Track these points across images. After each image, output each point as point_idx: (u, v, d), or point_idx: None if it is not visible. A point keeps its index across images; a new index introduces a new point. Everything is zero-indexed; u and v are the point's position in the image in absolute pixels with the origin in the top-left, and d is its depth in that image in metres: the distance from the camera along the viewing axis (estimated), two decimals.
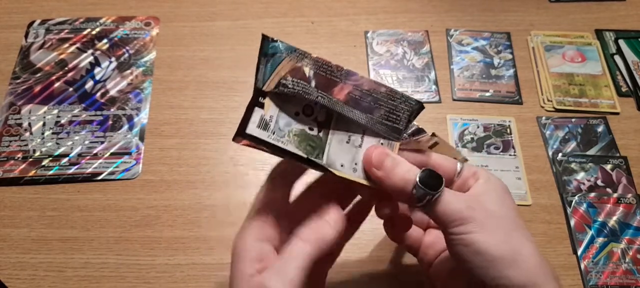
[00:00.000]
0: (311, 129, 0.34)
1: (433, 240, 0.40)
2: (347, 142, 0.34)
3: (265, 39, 0.34)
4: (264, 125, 0.33)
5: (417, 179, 0.32)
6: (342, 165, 0.33)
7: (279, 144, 0.32)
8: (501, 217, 0.33)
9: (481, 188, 0.34)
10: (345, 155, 0.34)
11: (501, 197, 0.34)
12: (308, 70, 0.34)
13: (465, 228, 0.32)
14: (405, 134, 0.35)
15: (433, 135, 0.35)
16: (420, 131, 0.35)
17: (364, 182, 0.34)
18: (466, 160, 0.37)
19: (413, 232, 0.41)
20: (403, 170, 0.33)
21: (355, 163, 0.34)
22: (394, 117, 0.35)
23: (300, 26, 0.63)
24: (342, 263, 0.46)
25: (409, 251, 0.42)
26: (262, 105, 0.34)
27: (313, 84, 0.33)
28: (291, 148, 0.32)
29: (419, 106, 0.35)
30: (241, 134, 0.32)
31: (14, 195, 0.49)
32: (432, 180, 0.32)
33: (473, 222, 0.31)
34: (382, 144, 0.35)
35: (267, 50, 0.34)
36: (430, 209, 0.32)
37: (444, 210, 0.32)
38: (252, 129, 0.32)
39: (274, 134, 0.33)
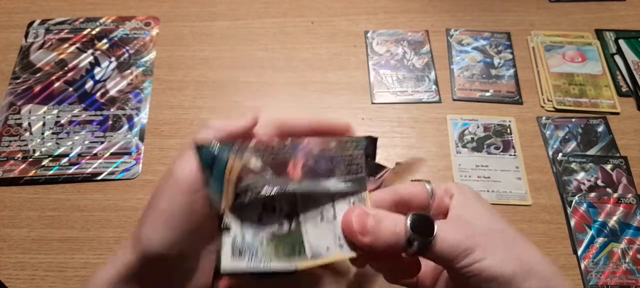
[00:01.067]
0: (281, 227, 0.30)
1: (425, 269, 0.36)
2: (322, 220, 0.31)
3: (198, 149, 0.29)
4: (238, 252, 0.29)
5: (410, 230, 0.29)
6: (327, 248, 0.30)
7: (261, 267, 0.29)
8: (495, 230, 0.31)
9: (460, 204, 0.32)
10: (326, 235, 0.31)
11: (482, 208, 0.32)
12: (255, 163, 0.30)
13: (472, 258, 0.29)
14: (370, 179, 0.33)
15: (396, 163, 0.33)
16: (380, 168, 0.33)
17: (355, 253, 0.31)
18: (428, 181, 0.35)
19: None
20: (390, 225, 0.30)
21: (339, 238, 0.31)
22: (354, 168, 0.32)
23: (300, 26, 0.63)
24: None
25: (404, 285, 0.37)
26: (228, 229, 0.29)
27: (267, 176, 0.30)
28: (273, 264, 0.29)
29: (370, 141, 0.33)
30: (217, 274, 0.28)
31: (14, 195, 0.49)
32: (424, 224, 0.30)
33: (477, 250, 0.29)
34: (353, 203, 0.32)
35: (205, 160, 0.29)
36: (429, 252, 0.30)
37: (444, 249, 0.30)
38: (227, 262, 0.28)
39: (251, 257, 0.29)
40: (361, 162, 0.32)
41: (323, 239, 0.30)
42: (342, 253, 0.30)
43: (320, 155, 0.31)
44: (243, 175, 0.30)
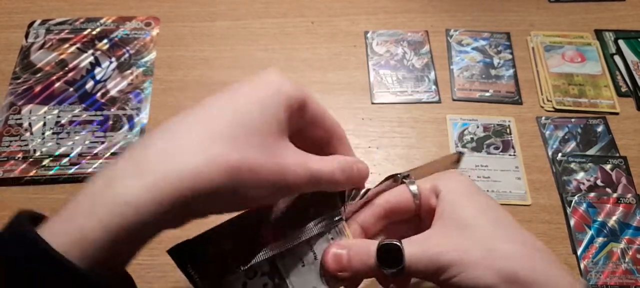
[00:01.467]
0: (265, 285, 0.31)
1: None
2: (303, 266, 0.32)
3: (177, 260, 0.30)
4: None
5: (376, 263, 0.30)
6: None
7: None
8: (477, 236, 0.30)
9: (445, 209, 0.32)
10: (310, 278, 0.32)
11: (469, 204, 0.31)
12: (229, 245, 0.30)
13: (445, 276, 0.29)
14: (348, 204, 0.33)
15: (390, 177, 0.33)
16: (357, 193, 0.33)
17: (340, 285, 0.32)
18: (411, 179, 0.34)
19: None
20: (363, 257, 0.31)
21: (322, 276, 0.32)
22: (325, 201, 0.32)
23: (300, 26, 0.63)
24: None
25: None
26: None
27: (242, 252, 0.30)
28: None
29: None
30: None
31: (15, 195, 0.49)
32: (393, 253, 0.30)
33: (449, 268, 0.29)
34: (332, 238, 0.32)
35: (184, 269, 0.30)
36: (405, 275, 0.31)
37: (416, 271, 0.30)
38: None
39: None
40: (334, 196, 0.32)
41: (308, 283, 0.32)
42: None
43: (291, 206, 0.32)
44: (220, 262, 0.30)
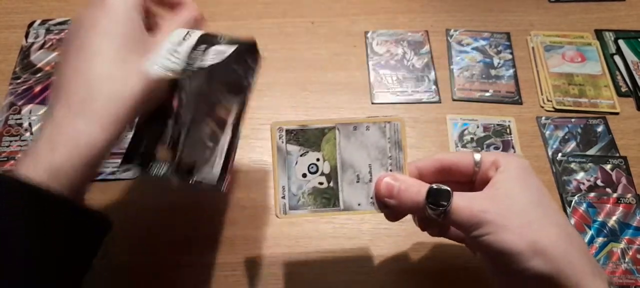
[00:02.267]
0: (321, 184, 0.37)
1: None
2: (357, 182, 0.37)
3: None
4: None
5: (425, 200, 0.34)
6: (359, 204, 0.37)
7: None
8: (519, 209, 0.33)
9: (499, 180, 0.35)
10: (360, 194, 0.37)
11: (522, 183, 0.35)
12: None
13: (479, 232, 0.33)
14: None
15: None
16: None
17: (381, 211, 0.37)
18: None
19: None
20: (412, 193, 0.35)
21: (371, 198, 0.37)
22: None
23: (300, 26, 0.63)
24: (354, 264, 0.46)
25: (456, 240, 0.41)
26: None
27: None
28: (309, 208, 0.37)
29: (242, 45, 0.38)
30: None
31: None
32: (440, 196, 0.34)
33: (486, 225, 0.32)
34: (390, 170, 0.37)
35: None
36: (446, 220, 0.34)
37: (457, 219, 0.34)
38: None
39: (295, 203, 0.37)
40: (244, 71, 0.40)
41: (356, 197, 0.37)
42: (372, 209, 0.37)
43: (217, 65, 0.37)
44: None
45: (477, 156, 0.37)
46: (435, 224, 0.40)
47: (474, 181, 0.38)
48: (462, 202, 0.34)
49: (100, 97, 0.32)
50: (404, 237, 0.47)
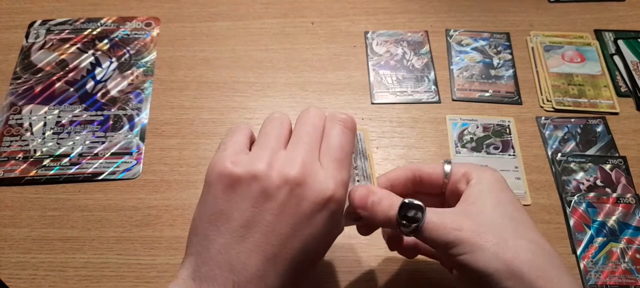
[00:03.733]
0: None
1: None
2: None
3: None
4: None
5: (397, 216, 0.33)
6: None
7: None
8: (493, 225, 0.32)
9: (472, 194, 0.34)
10: None
11: (495, 198, 0.34)
12: None
13: (455, 251, 0.32)
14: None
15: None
16: None
17: (352, 223, 0.36)
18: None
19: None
20: (385, 206, 0.34)
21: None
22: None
23: (300, 27, 0.63)
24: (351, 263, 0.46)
25: (427, 256, 0.41)
26: None
27: None
28: None
29: None
30: None
31: (15, 195, 0.49)
32: (413, 212, 0.33)
33: (460, 244, 0.31)
34: (358, 180, 0.37)
35: None
36: (419, 236, 0.33)
37: (429, 236, 0.32)
38: None
39: None
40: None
41: None
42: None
43: None
44: None
45: (448, 167, 0.36)
46: (404, 245, 0.39)
47: (444, 194, 0.37)
48: (436, 218, 0.32)
49: None
50: None
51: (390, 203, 0.34)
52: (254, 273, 0.30)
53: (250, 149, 0.34)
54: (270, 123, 0.35)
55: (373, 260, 0.46)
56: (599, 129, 0.55)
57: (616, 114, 0.56)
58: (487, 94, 0.58)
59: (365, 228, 0.38)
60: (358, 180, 0.37)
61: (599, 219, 0.49)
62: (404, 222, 0.33)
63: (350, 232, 0.47)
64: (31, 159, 0.51)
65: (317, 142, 0.34)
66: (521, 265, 0.30)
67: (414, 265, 0.45)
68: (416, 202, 0.33)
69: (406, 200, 0.33)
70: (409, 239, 0.39)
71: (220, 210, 0.31)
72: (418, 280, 0.45)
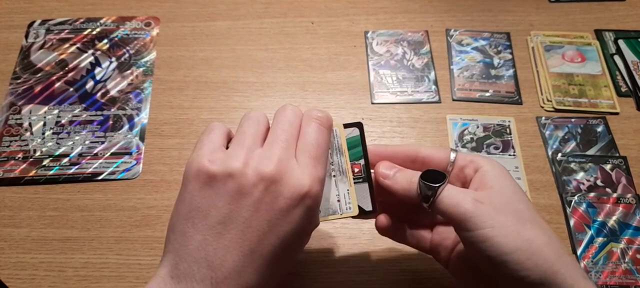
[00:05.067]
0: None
1: (442, 237, 0.39)
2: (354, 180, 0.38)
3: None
4: None
5: (419, 181, 0.34)
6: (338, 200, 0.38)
7: None
8: (511, 208, 0.32)
9: (488, 178, 0.34)
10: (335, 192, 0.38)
11: (509, 185, 0.34)
12: None
13: (474, 224, 0.31)
14: None
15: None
16: None
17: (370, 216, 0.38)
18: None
19: (415, 231, 0.40)
20: (407, 174, 0.36)
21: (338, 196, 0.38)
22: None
23: (300, 26, 0.63)
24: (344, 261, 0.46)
25: (419, 249, 0.41)
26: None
27: None
28: None
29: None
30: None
31: (15, 195, 0.49)
32: (435, 176, 0.34)
33: (481, 216, 0.31)
34: (334, 176, 0.38)
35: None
36: (437, 206, 0.33)
37: (450, 205, 0.33)
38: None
39: None
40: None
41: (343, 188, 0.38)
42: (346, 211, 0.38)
43: None
44: None
45: (453, 155, 0.37)
46: (419, 214, 0.40)
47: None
48: (457, 189, 0.33)
49: None
50: None
51: (412, 172, 0.35)
52: (232, 269, 0.31)
53: (227, 147, 0.34)
54: (247, 121, 0.35)
55: (374, 257, 0.46)
56: (599, 129, 0.55)
57: (616, 113, 0.56)
58: (487, 94, 0.58)
59: (389, 202, 0.38)
60: (334, 176, 0.37)
61: (599, 219, 0.49)
62: (427, 183, 0.34)
63: (350, 233, 0.47)
64: (31, 159, 0.51)
65: (293, 139, 0.34)
66: (541, 247, 0.31)
67: (416, 264, 0.45)
68: (439, 171, 0.34)
69: (428, 170, 0.34)
70: (400, 227, 0.40)
71: (197, 207, 0.32)
72: (421, 282, 0.45)
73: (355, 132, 0.38)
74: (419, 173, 0.35)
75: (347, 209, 0.37)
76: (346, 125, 0.38)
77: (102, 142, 0.53)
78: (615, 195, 0.50)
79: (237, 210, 0.31)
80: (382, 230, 0.39)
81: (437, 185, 0.33)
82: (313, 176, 0.33)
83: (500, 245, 0.31)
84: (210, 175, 0.32)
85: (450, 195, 0.33)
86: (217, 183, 0.32)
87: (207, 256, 0.31)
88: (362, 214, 0.38)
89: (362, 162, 0.38)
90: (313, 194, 0.32)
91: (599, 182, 0.51)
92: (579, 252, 0.47)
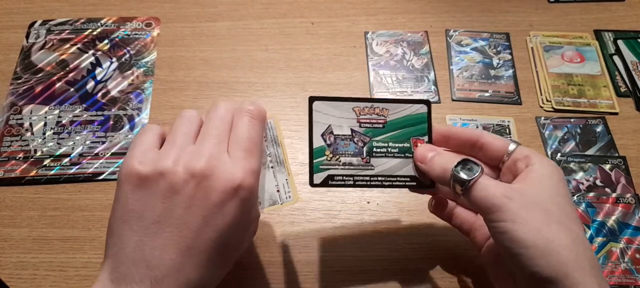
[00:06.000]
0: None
1: (480, 223, 0.40)
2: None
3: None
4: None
5: (452, 168, 0.35)
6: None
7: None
8: (542, 207, 0.33)
9: (532, 176, 0.35)
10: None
11: (551, 185, 0.35)
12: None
13: (499, 216, 0.33)
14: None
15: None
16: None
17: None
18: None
19: (461, 213, 0.42)
20: (442, 162, 0.36)
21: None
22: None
23: (300, 27, 0.63)
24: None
25: (460, 231, 0.42)
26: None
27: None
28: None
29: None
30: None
31: (15, 195, 0.49)
32: (470, 168, 0.35)
33: (507, 211, 0.32)
34: (272, 167, 0.39)
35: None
36: (468, 195, 0.34)
37: (480, 197, 0.34)
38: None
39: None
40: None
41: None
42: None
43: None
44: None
45: (512, 146, 0.37)
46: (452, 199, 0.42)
47: (499, 168, 0.38)
48: (489, 181, 0.34)
49: None
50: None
51: (448, 159, 0.36)
52: (171, 267, 0.31)
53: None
54: (179, 120, 0.36)
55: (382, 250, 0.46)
56: (598, 129, 0.55)
57: (616, 114, 0.56)
58: (486, 94, 0.58)
59: (430, 185, 0.40)
60: (272, 167, 0.38)
61: (598, 219, 0.49)
62: (462, 171, 0.35)
63: (350, 233, 0.47)
64: (31, 159, 0.51)
65: (225, 134, 0.34)
66: (559, 248, 0.31)
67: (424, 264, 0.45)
68: (476, 161, 0.35)
69: (465, 158, 0.35)
70: (449, 206, 0.42)
71: (131, 209, 0.32)
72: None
73: (423, 108, 0.40)
74: (456, 160, 0.35)
75: (287, 198, 0.38)
76: (414, 101, 0.40)
77: (103, 142, 0.53)
78: (614, 195, 0.50)
79: (170, 209, 0.32)
80: (434, 207, 0.42)
81: (468, 178, 0.34)
82: (245, 168, 0.33)
83: (518, 239, 0.32)
84: (141, 176, 0.32)
85: (482, 188, 0.34)
86: (149, 184, 0.32)
87: (145, 256, 0.31)
88: (421, 188, 0.40)
89: (425, 138, 0.40)
90: (246, 186, 0.33)
91: (598, 182, 0.51)
92: None
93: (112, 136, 0.53)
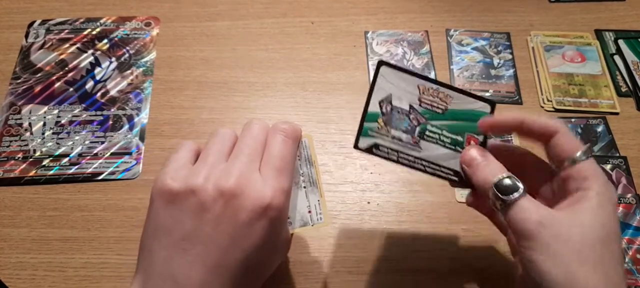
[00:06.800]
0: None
1: None
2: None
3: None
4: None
5: (494, 182, 0.33)
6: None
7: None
8: (576, 244, 0.31)
9: (582, 204, 0.32)
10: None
11: (599, 217, 0.32)
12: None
13: (528, 244, 0.31)
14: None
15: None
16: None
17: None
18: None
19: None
20: (486, 172, 0.35)
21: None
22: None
23: (300, 26, 0.63)
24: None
25: (498, 228, 0.41)
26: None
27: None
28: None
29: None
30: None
31: (15, 195, 0.49)
32: (509, 187, 0.33)
33: (538, 240, 0.31)
34: (304, 187, 0.38)
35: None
36: (505, 214, 0.33)
37: (516, 220, 0.32)
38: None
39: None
40: None
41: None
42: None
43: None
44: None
45: (579, 154, 0.33)
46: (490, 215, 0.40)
47: (554, 177, 0.36)
48: (527, 204, 0.32)
49: None
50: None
51: (493, 170, 0.34)
52: (197, 284, 0.31)
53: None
54: (213, 138, 0.36)
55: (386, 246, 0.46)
56: (599, 129, 0.55)
57: (617, 113, 0.56)
58: (487, 94, 0.58)
59: (461, 183, 0.38)
60: (304, 187, 0.38)
61: None
62: (496, 192, 0.33)
63: (349, 233, 0.47)
64: (31, 159, 0.51)
65: (257, 153, 0.34)
66: (587, 286, 0.30)
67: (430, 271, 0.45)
68: (519, 182, 0.33)
69: (511, 176, 0.33)
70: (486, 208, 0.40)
71: (162, 224, 0.32)
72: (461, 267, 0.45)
73: (486, 108, 0.39)
74: (500, 174, 0.33)
75: (318, 220, 0.37)
76: (480, 98, 0.38)
77: (102, 142, 0.53)
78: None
79: (199, 226, 0.32)
80: (472, 204, 0.40)
81: (507, 198, 0.32)
82: (275, 187, 0.33)
83: (542, 272, 0.31)
84: (172, 192, 0.32)
85: (519, 210, 0.32)
86: (179, 200, 0.32)
87: (173, 272, 0.31)
88: (463, 185, 0.38)
89: (481, 138, 0.38)
90: (276, 205, 0.32)
91: None
92: None
93: (111, 136, 0.53)
